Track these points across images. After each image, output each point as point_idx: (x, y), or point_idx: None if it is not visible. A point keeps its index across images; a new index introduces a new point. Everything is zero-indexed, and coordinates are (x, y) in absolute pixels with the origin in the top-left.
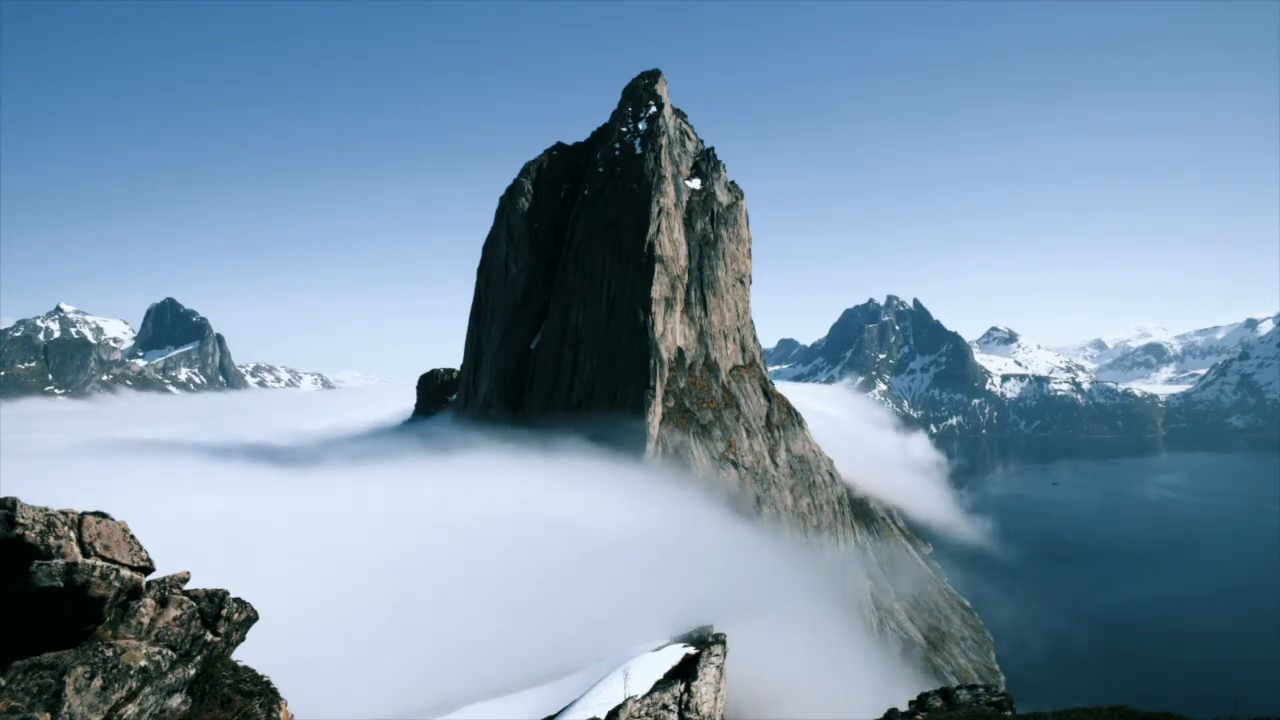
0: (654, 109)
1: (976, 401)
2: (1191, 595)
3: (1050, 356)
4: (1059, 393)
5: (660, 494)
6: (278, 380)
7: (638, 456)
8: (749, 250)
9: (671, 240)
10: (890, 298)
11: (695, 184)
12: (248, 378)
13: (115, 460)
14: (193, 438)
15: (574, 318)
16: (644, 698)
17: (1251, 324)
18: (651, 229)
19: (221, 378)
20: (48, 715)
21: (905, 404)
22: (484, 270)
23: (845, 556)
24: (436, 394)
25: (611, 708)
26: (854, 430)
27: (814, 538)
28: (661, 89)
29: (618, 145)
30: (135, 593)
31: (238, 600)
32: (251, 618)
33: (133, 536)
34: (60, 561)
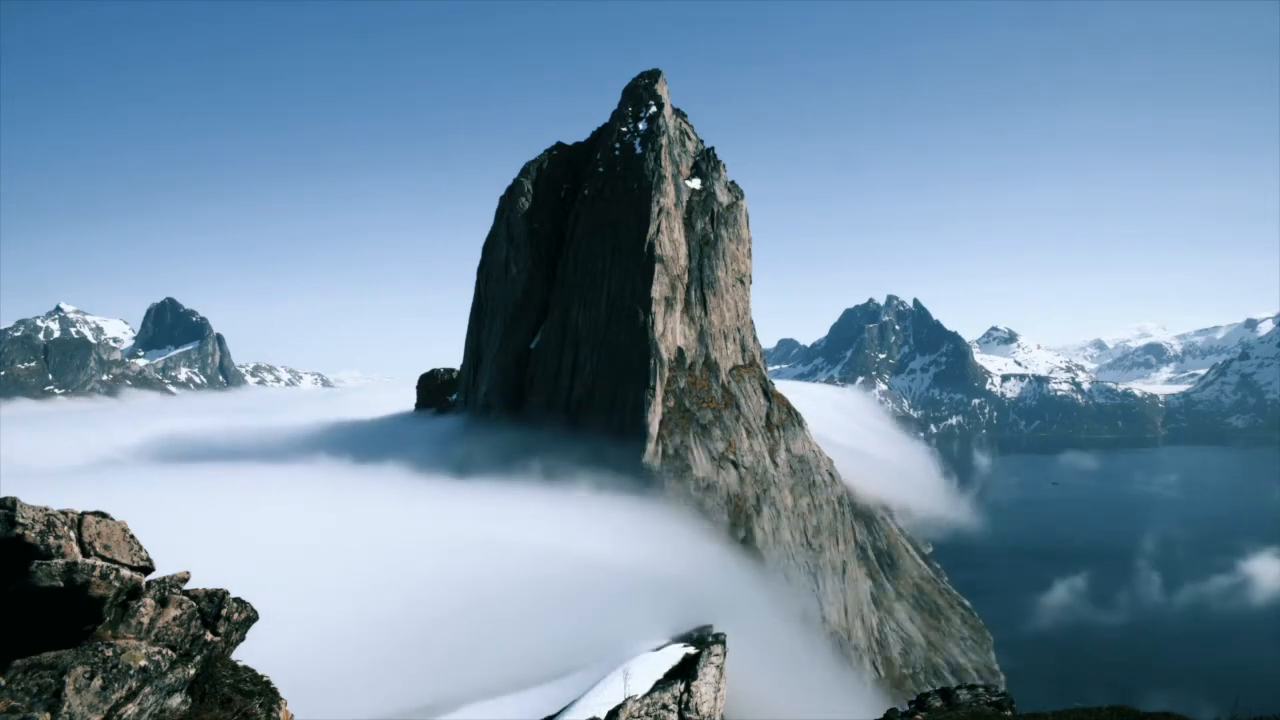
0: (654, 109)
1: (976, 401)
2: (1191, 595)
3: (1050, 356)
4: (1059, 393)
5: (646, 522)
6: (277, 380)
7: (637, 457)
8: (749, 250)
9: (671, 240)
10: (890, 298)
11: (695, 184)
12: (247, 377)
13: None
14: (196, 436)
15: (574, 317)
16: (644, 698)
17: (1251, 324)
18: (651, 229)
19: (221, 377)
20: (48, 715)
21: (905, 404)
22: (484, 270)
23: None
24: (437, 393)
25: (611, 708)
26: (854, 430)
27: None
28: (662, 89)
29: (618, 145)
30: (135, 592)
31: (237, 600)
32: (251, 618)
33: (132, 536)
34: (60, 561)
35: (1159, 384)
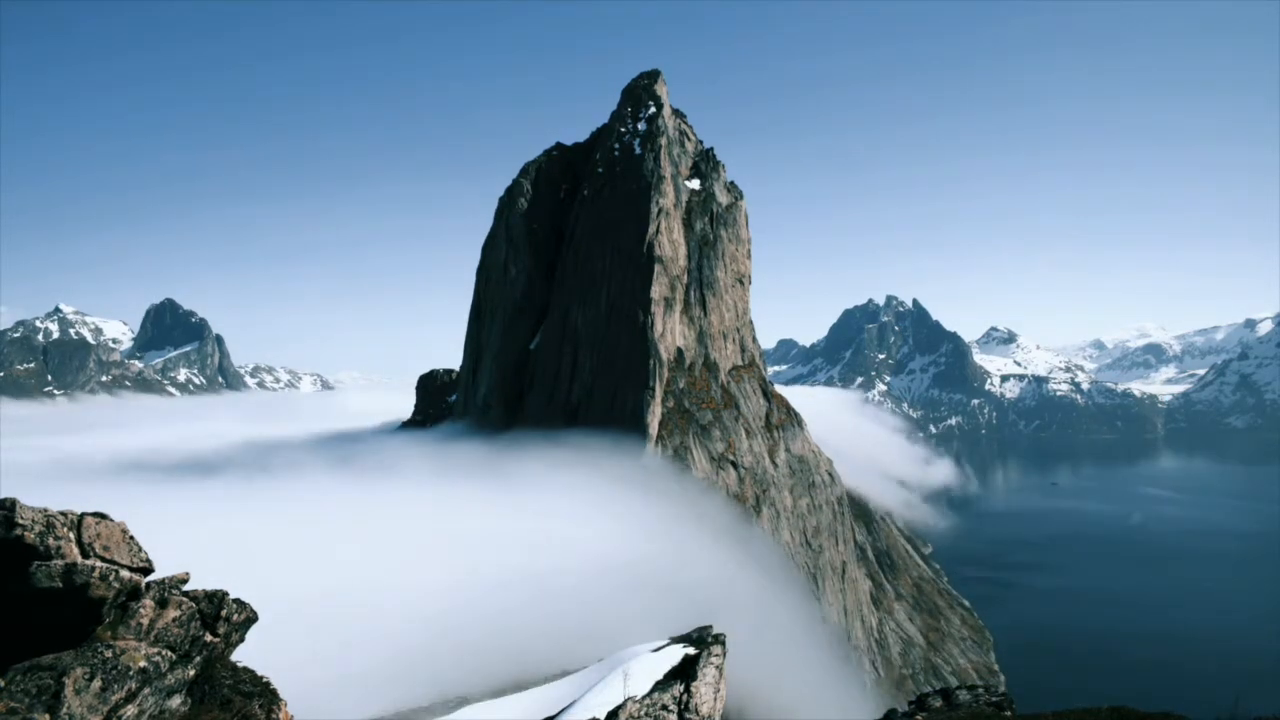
0: (653, 109)
1: (976, 402)
2: (1191, 595)
3: (1049, 356)
4: (1058, 393)
5: (646, 522)
6: (277, 381)
7: (637, 457)
8: (748, 251)
9: (671, 240)
10: (890, 298)
11: (695, 184)
12: (247, 378)
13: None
14: (194, 440)
15: (573, 318)
16: (644, 698)
17: (1250, 324)
18: (651, 229)
19: (221, 379)
20: (47, 716)
21: (905, 404)
22: (483, 270)
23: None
24: (437, 395)
25: (611, 708)
26: (854, 431)
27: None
28: (661, 89)
29: (617, 145)
30: (135, 593)
31: (237, 601)
32: (251, 618)
33: (132, 538)
34: (59, 562)
35: (1158, 384)
